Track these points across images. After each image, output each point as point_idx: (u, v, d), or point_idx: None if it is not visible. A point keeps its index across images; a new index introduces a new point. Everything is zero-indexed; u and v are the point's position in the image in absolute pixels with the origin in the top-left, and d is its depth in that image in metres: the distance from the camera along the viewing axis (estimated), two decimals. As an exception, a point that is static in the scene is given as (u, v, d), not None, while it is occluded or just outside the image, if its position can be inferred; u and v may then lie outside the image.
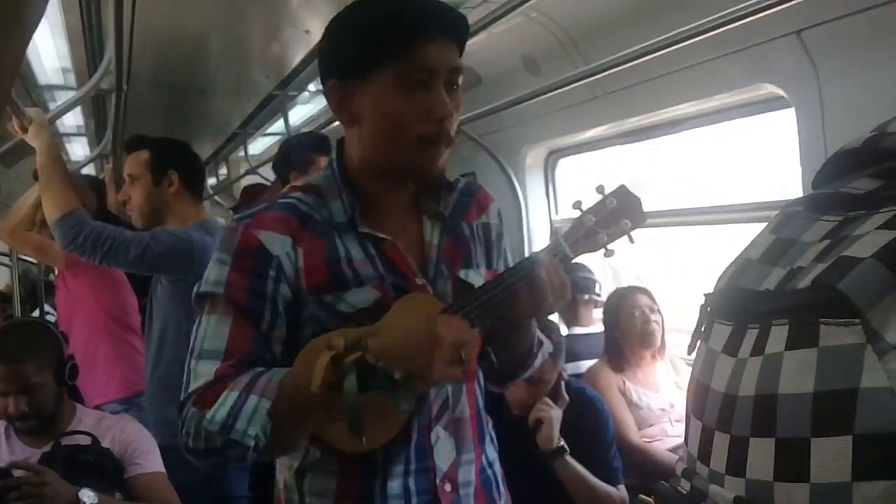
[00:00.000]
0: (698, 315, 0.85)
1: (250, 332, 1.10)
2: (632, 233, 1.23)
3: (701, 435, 0.77)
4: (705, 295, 0.84)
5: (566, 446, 2.12)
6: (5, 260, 5.63)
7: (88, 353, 3.01)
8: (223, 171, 6.45)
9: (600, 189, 1.23)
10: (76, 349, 3.02)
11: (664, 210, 2.99)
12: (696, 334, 0.85)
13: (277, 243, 1.12)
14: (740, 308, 0.75)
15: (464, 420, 1.21)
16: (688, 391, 0.84)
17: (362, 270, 1.14)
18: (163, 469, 2.09)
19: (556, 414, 2.14)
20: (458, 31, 1.14)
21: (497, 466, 1.31)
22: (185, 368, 1.12)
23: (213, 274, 1.14)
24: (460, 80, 1.15)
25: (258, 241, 1.12)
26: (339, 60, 1.15)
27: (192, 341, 1.13)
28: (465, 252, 1.25)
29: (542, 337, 1.36)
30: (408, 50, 1.08)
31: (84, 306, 3.04)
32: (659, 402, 2.71)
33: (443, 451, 1.18)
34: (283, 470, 1.23)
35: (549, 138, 3.32)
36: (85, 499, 1.82)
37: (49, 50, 3.01)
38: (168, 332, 2.38)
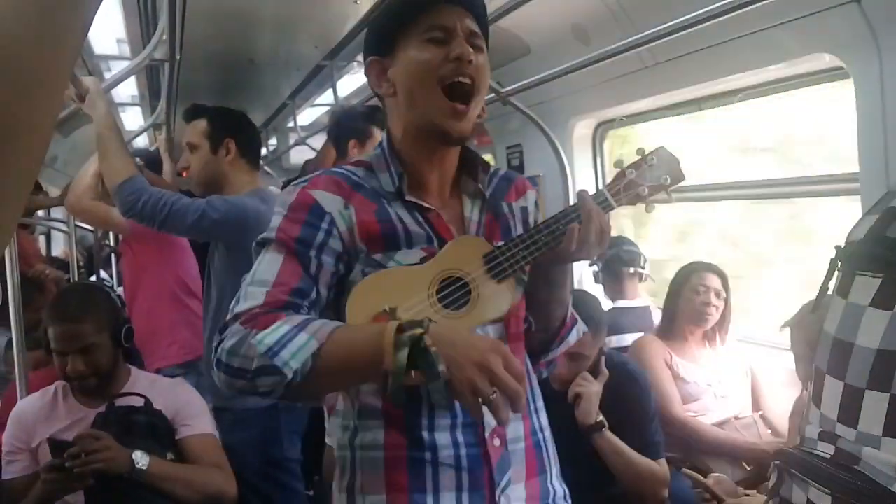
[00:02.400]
0: (827, 269, 0.81)
1: (299, 270, 1.18)
2: (670, 189, 1.31)
3: (843, 395, 0.74)
4: (837, 248, 0.81)
5: (605, 421, 2.12)
6: (63, 227, 5.80)
7: (152, 317, 3.10)
8: (273, 141, 6.53)
9: (640, 151, 1.31)
10: (140, 314, 3.13)
11: (717, 183, 2.95)
12: (824, 290, 0.81)
13: (330, 201, 1.23)
14: (891, 259, 0.71)
15: None
16: (818, 349, 0.80)
17: (413, 233, 1.24)
18: (213, 431, 2.15)
19: (595, 389, 2.14)
20: (470, 1, 1.27)
21: (548, 433, 1.36)
22: (237, 295, 1.19)
23: (274, 224, 1.25)
24: (480, 43, 1.26)
25: (313, 199, 1.23)
26: (373, 37, 1.32)
27: (246, 276, 1.22)
28: (504, 228, 1.33)
29: (577, 316, 1.44)
30: (423, 15, 1.24)
31: (149, 272, 3.13)
32: (705, 378, 2.69)
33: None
34: (336, 430, 1.30)
35: (599, 109, 3.28)
36: (137, 460, 1.90)
37: (105, 20, 3.07)
38: (225, 298, 2.43)
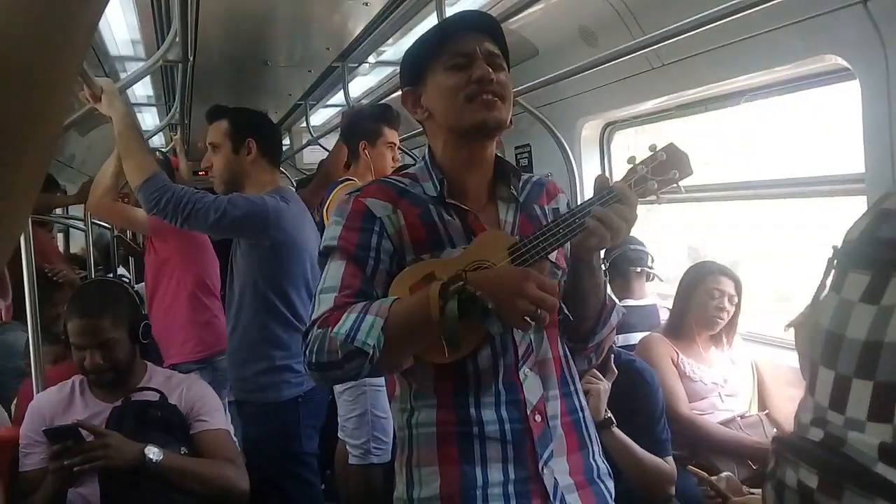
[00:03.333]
0: (825, 267, 0.85)
1: (359, 273, 1.34)
2: (680, 182, 1.37)
3: (834, 384, 0.78)
4: (834, 247, 0.85)
5: (613, 418, 2.14)
6: (79, 224, 5.87)
7: (170, 314, 3.16)
8: (286, 141, 6.57)
9: (652, 147, 1.38)
10: (159, 310, 3.19)
11: (721, 184, 2.96)
12: (821, 287, 0.85)
13: (380, 207, 1.38)
14: (880, 257, 0.76)
15: (548, 361, 1.40)
16: (813, 342, 0.84)
17: (454, 234, 1.38)
18: (227, 426, 2.18)
19: (604, 387, 2.16)
20: (485, 24, 1.43)
21: (588, 413, 1.48)
22: (311, 303, 1.39)
23: (331, 232, 1.40)
24: (501, 62, 1.40)
25: (365, 206, 1.39)
26: (405, 70, 1.48)
27: (317, 283, 1.38)
28: (537, 228, 1.40)
29: (616, 300, 1.52)
30: (444, 45, 1.40)
31: (169, 270, 3.19)
32: (712, 377, 2.70)
33: (532, 387, 1.36)
34: (395, 414, 1.46)
35: (606, 110, 3.29)
36: (150, 455, 1.94)
37: (119, 21, 3.12)
38: (246, 294, 2.48)
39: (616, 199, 1.32)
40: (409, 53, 1.48)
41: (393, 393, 1.52)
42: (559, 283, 1.45)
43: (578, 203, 1.38)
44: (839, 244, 0.88)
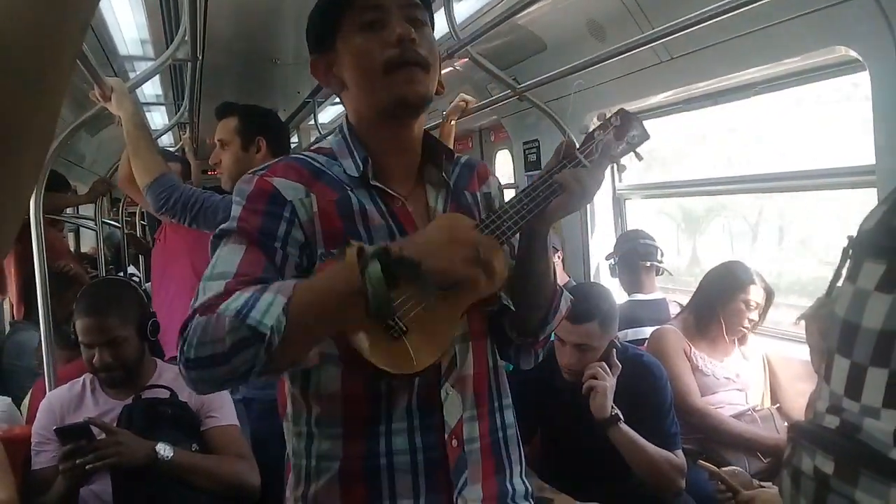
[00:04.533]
0: (840, 257, 0.87)
1: (262, 262, 1.10)
2: (638, 149, 1.28)
3: (849, 372, 0.80)
4: (849, 237, 0.86)
5: (620, 414, 2.14)
6: (90, 224, 5.91)
7: (175, 305, 3.18)
8: (294, 138, 6.59)
9: (601, 115, 1.28)
10: (164, 300, 3.20)
11: (730, 177, 2.95)
12: (837, 277, 0.86)
13: (291, 189, 1.16)
14: (895, 247, 0.77)
15: (468, 378, 1.23)
16: (829, 331, 0.86)
17: (375, 227, 1.17)
18: (236, 422, 2.19)
19: (609, 383, 2.16)
20: None
21: (511, 431, 1.31)
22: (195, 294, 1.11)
23: (229, 216, 1.17)
24: (421, 15, 1.20)
25: (272, 187, 1.16)
26: (312, 35, 1.26)
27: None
28: (486, 215, 1.24)
29: (561, 287, 1.36)
30: (354, 1, 1.17)
31: (178, 260, 3.20)
32: (724, 371, 2.69)
33: (452, 408, 1.19)
34: (290, 437, 1.26)
35: (614, 104, 3.28)
36: (161, 452, 1.95)
37: (128, 21, 3.13)
38: None
39: (580, 166, 1.21)
40: (314, 13, 1.25)
41: (283, 411, 1.31)
42: None
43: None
44: (854, 234, 0.89)
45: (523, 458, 1.34)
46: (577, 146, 1.25)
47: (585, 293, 2.19)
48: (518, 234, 1.21)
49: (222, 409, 2.18)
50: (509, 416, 1.31)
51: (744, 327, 2.67)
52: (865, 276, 0.80)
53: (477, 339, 1.25)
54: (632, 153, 1.29)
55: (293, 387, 1.24)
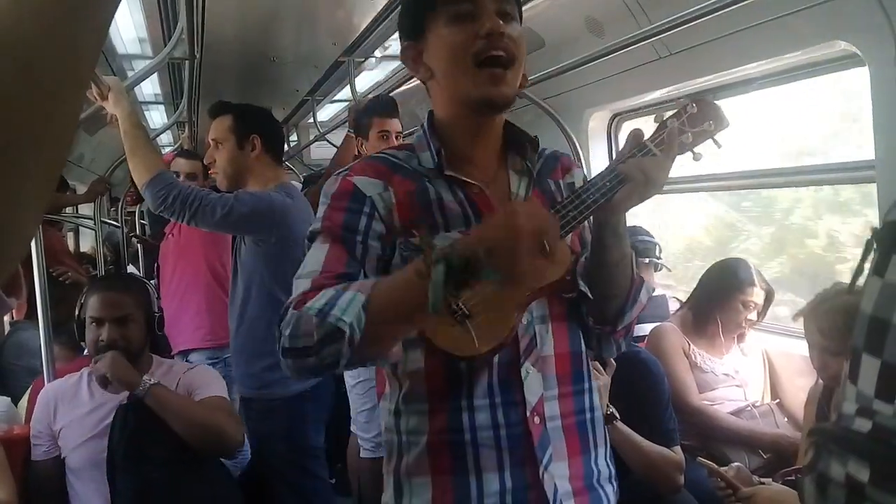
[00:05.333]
0: (863, 251, 0.84)
1: (344, 257, 1.20)
2: (717, 136, 1.26)
3: (880, 372, 0.76)
4: (873, 229, 0.83)
5: (616, 413, 2.13)
6: (89, 223, 5.91)
7: (184, 300, 3.19)
8: (293, 137, 6.58)
9: (680, 102, 1.27)
10: (174, 294, 3.21)
11: (731, 173, 2.94)
12: (859, 271, 0.84)
13: (370, 186, 1.24)
14: None
15: (550, 358, 1.26)
16: (855, 328, 0.83)
17: (451, 215, 1.24)
18: (223, 394, 2.20)
19: (604, 381, 2.15)
20: None
21: (598, 413, 1.34)
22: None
23: (318, 216, 1.26)
24: (512, 10, 1.24)
25: (353, 185, 1.25)
26: (404, 22, 1.31)
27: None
28: (550, 204, 1.25)
29: (643, 277, 1.36)
30: None
31: (189, 256, 3.22)
32: (723, 368, 2.69)
33: (532, 386, 1.23)
34: (384, 415, 1.33)
35: (613, 101, 3.28)
36: (148, 379, 2.03)
37: (126, 19, 3.12)
38: (252, 290, 2.49)
39: (649, 156, 1.21)
40: (407, 2, 1.32)
41: (382, 392, 1.38)
42: (576, 264, 1.30)
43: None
44: (878, 225, 0.86)
45: (608, 441, 1.37)
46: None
47: None
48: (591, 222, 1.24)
49: (208, 387, 2.21)
50: (594, 398, 1.34)
51: (744, 327, 2.66)
52: (894, 269, 0.77)
53: (558, 322, 1.28)
54: (710, 141, 1.26)
55: (387, 367, 1.30)
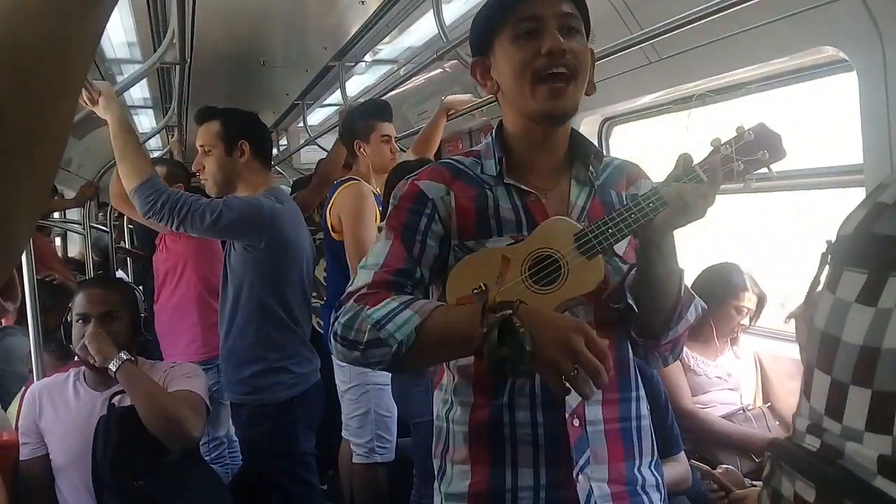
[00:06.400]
0: (818, 264, 0.82)
1: (403, 253, 1.29)
2: (772, 165, 1.25)
3: (830, 389, 0.74)
4: (827, 241, 0.81)
5: None
6: (77, 228, 5.87)
7: (176, 313, 3.17)
8: (283, 141, 6.57)
9: (739, 128, 1.26)
10: (165, 308, 3.20)
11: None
12: (815, 284, 0.82)
13: (433, 189, 1.33)
14: (877, 255, 0.71)
15: None
16: (808, 343, 0.80)
17: (505, 221, 1.31)
18: (197, 390, 2.17)
19: None
20: None
21: (646, 422, 1.37)
22: (352, 277, 1.32)
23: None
24: (576, 24, 1.28)
25: (418, 188, 1.34)
26: (473, 39, 1.38)
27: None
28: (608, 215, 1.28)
29: (692, 292, 1.38)
30: (512, 10, 1.27)
31: (179, 269, 3.20)
32: (716, 371, 2.70)
33: None
34: (438, 402, 1.41)
35: (604, 105, 3.29)
36: (122, 354, 2.06)
37: (116, 24, 3.11)
38: (241, 295, 2.48)
39: (696, 181, 1.22)
40: (477, 18, 1.37)
41: (439, 381, 1.45)
42: (625, 277, 1.33)
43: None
44: (833, 238, 0.84)
45: (655, 451, 1.41)
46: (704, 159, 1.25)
47: None
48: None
49: (184, 380, 2.19)
50: (642, 407, 1.38)
51: (737, 331, 2.68)
52: (845, 285, 0.75)
53: (606, 329, 1.29)
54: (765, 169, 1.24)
55: None
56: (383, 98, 3.45)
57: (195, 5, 2.61)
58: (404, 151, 3.66)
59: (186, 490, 2.04)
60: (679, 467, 2.20)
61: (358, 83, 4.40)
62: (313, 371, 2.59)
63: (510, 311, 1.10)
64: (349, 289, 1.27)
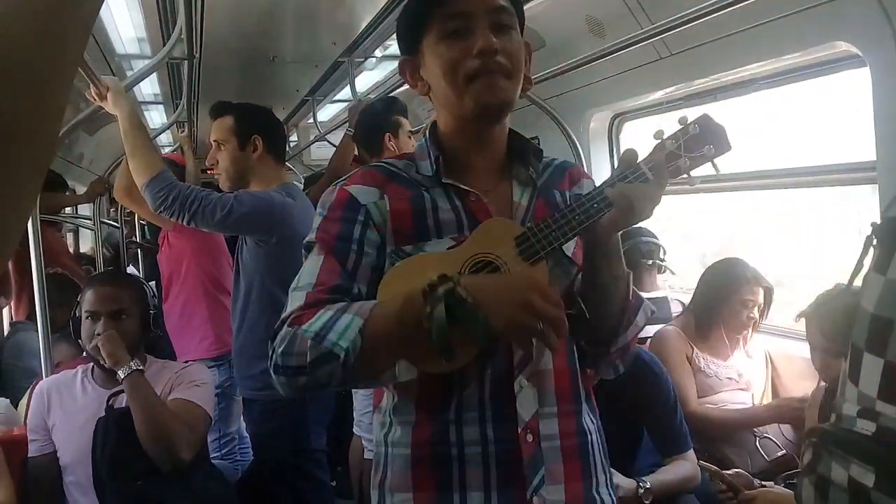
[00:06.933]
0: (863, 247, 0.80)
1: (336, 269, 1.18)
2: (716, 160, 1.21)
3: (884, 372, 0.73)
4: (873, 224, 0.80)
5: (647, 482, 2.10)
6: (88, 224, 5.89)
7: (186, 311, 3.17)
8: (293, 137, 6.57)
9: (682, 120, 1.21)
10: (174, 306, 3.20)
11: (732, 174, 2.93)
12: (858, 267, 0.80)
13: (365, 194, 1.23)
14: None
15: (547, 373, 1.21)
16: (855, 326, 0.79)
17: (444, 221, 1.21)
18: (201, 403, 2.14)
19: None
20: None
21: (600, 437, 1.29)
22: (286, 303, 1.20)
23: (314, 226, 1.25)
24: (509, 20, 1.20)
25: (349, 194, 1.24)
26: (401, 38, 1.30)
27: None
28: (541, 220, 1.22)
29: (641, 295, 1.32)
30: (438, 6, 1.19)
31: (186, 267, 3.20)
32: (727, 371, 2.67)
33: (525, 401, 1.18)
34: (375, 427, 1.31)
35: (614, 101, 3.27)
36: (132, 364, 2.04)
37: (125, 19, 3.11)
38: (253, 291, 2.48)
39: (641, 179, 1.17)
40: (402, 16, 1.28)
41: (378, 404, 1.34)
42: (574, 280, 1.27)
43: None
44: (878, 221, 0.82)
45: (610, 470, 1.31)
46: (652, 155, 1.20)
47: None
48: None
49: (188, 390, 2.16)
50: (595, 421, 1.30)
51: (747, 326, 2.65)
52: None
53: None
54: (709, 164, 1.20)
55: None
56: (392, 94, 3.44)
57: (203, 1, 2.61)
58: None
59: (187, 489, 2.04)
60: (688, 465, 2.19)
61: (367, 79, 4.39)
62: None
63: (452, 284, 1.03)
64: (283, 315, 1.16)
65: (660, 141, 1.21)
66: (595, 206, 1.16)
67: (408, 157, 1.31)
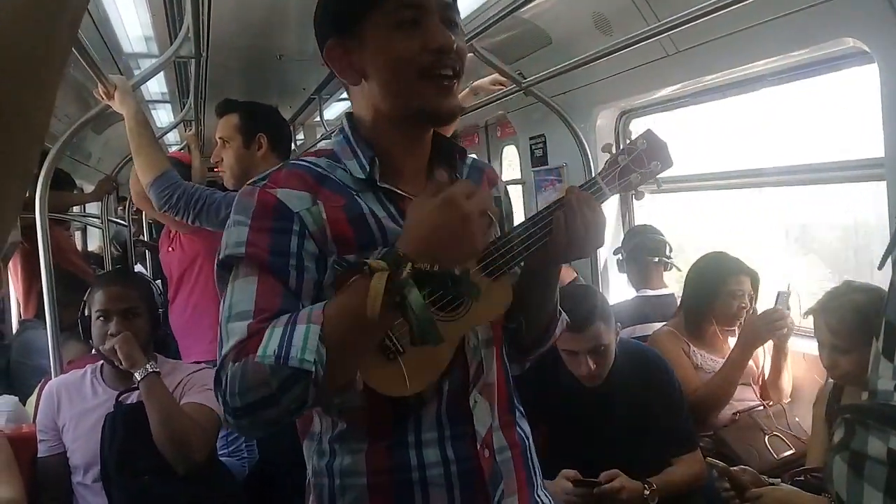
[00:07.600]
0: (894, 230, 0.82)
1: (278, 288, 1.03)
2: (658, 176, 1.25)
3: None
4: None
5: (653, 485, 2.10)
6: (97, 222, 5.92)
7: (196, 312, 3.17)
8: (300, 135, 6.58)
9: (634, 138, 1.25)
10: (184, 308, 3.20)
11: (739, 171, 2.92)
12: (891, 247, 0.81)
13: (296, 199, 1.07)
14: None
15: (493, 385, 1.19)
16: (888, 303, 0.80)
17: (389, 229, 1.09)
18: (212, 405, 2.12)
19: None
20: None
21: (531, 441, 1.28)
22: (218, 338, 1.05)
23: (233, 237, 1.07)
24: (455, 16, 1.12)
25: (276, 199, 1.07)
26: (334, 16, 1.14)
27: (220, 311, 1.06)
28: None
29: (561, 310, 1.35)
30: None
31: (196, 267, 3.19)
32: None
33: (481, 415, 1.15)
34: (311, 456, 1.18)
35: (621, 98, 3.27)
36: (148, 366, 2.04)
37: (132, 18, 3.13)
38: None
39: (597, 193, 1.20)
40: None
41: (307, 430, 1.21)
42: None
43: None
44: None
45: (540, 470, 1.32)
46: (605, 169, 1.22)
47: (578, 298, 2.12)
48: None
49: (199, 393, 2.17)
50: (527, 425, 1.29)
51: (738, 317, 2.64)
52: None
53: (498, 347, 1.22)
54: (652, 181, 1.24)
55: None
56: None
57: (210, 0, 2.61)
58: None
59: (194, 485, 2.04)
60: (694, 464, 2.19)
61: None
62: None
63: (409, 263, 0.94)
64: (221, 353, 1.01)
65: (611, 157, 1.24)
66: (539, 231, 1.16)
67: (325, 154, 1.17)
